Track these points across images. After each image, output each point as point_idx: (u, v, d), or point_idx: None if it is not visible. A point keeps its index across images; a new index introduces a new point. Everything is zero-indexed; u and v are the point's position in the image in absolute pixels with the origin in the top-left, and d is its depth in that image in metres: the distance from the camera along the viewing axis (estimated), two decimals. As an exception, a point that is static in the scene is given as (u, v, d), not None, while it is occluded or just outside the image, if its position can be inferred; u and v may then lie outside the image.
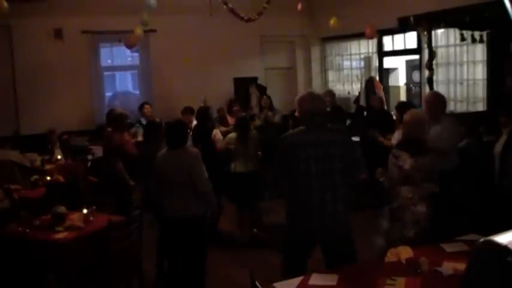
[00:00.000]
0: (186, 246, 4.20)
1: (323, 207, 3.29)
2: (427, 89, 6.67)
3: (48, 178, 5.92)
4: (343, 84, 10.74)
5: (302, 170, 3.29)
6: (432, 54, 6.56)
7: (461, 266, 2.60)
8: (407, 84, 10.33)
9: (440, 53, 8.23)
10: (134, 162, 5.44)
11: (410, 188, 3.77)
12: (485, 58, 7.63)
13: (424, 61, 7.52)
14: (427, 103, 4.67)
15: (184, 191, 4.05)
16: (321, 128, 3.38)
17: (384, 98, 8.38)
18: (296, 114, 3.59)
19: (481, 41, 7.22)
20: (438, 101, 4.61)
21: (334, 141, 3.34)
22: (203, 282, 4.34)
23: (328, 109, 7.97)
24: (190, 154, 4.14)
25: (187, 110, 7.26)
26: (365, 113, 8.69)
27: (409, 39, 8.92)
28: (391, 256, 3.13)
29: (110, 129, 5.82)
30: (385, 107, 8.30)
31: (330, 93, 8.46)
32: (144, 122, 7.96)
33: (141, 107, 8.16)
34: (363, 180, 3.54)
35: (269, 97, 8.90)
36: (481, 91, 7.85)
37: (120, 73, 11.69)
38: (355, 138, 7.95)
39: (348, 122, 9.00)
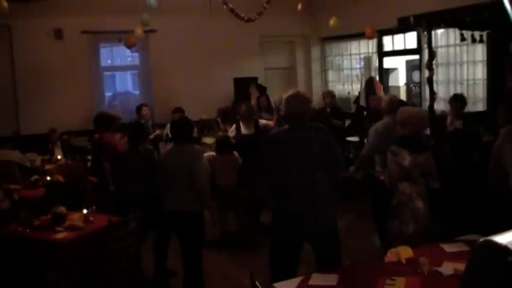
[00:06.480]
0: (183, 241, 4.27)
1: (305, 204, 3.35)
2: (427, 89, 6.66)
3: (48, 178, 5.92)
4: (343, 84, 10.74)
5: (284, 167, 3.38)
6: (432, 54, 6.55)
7: (461, 266, 2.60)
8: (407, 84, 10.33)
9: (440, 53, 8.23)
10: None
11: (408, 184, 3.80)
12: (485, 58, 7.62)
13: (424, 61, 7.51)
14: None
15: (184, 186, 4.12)
16: (303, 127, 3.47)
17: (382, 98, 8.36)
18: (281, 113, 3.68)
19: (481, 41, 7.21)
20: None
21: (315, 139, 3.43)
22: (201, 278, 4.33)
23: (328, 109, 8.05)
24: (191, 151, 4.24)
25: (177, 110, 7.35)
26: (365, 113, 8.68)
27: (409, 39, 8.91)
28: (391, 256, 3.13)
29: (96, 135, 5.90)
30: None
31: (330, 94, 8.51)
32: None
33: (139, 108, 8.12)
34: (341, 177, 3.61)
35: (267, 98, 8.88)
36: (481, 91, 7.84)
37: (120, 73, 11.69)
38: (355, 139, 8.02)
39: (348, 122, 9.04)
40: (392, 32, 8.78)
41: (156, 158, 5.01)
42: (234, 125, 6.44)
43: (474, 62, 7.90)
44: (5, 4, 5.65)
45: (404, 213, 3.78)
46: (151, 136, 7.83)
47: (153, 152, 5.04)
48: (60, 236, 4.02)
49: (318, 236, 3.41)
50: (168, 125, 7.40)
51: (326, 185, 3.41)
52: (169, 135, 7.38)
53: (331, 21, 7.86)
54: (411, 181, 3.80)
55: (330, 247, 3.45)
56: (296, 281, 2.88)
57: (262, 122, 6.25)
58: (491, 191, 4.28)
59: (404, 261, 3.05)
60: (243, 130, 6.28)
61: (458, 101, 5.83)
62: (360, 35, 9.02)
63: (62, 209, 4.30)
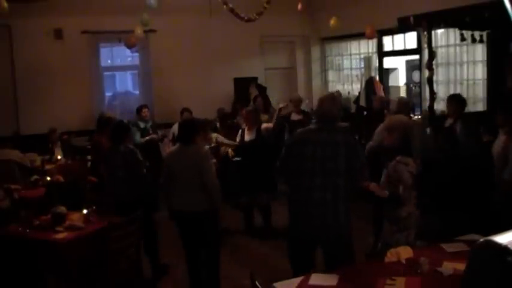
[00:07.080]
0: (195, 240, 4.25)
1: (323, 206, 3.31)
2: (427, 89, 6.67)
3: (48, 178, 5.92)
4: (343, 84, 10.74)
5: (307, 168, 3.34)
6: (432, 54, 6.55)
7: (461, 266, 2.60)
8: (407, 84, 10.34)
9: (440, 53, 8.23)
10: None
11: (414, 193, 3.76)
12: (485, 58, 7.62)
13: (424, 61, 7.52)
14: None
15: (193, 187, 4.11)
16: (331, 129, 3.42)
17: (384, 98, 8.36)
18: (311, 109, 3.68)
19: (481, 41, 7.21)
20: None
21: (342, 143, 3.37)
22: (217, 278, 4.34)
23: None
24: (198, 152, 4.22)
25: (185, 110, 7.36)
26: (365, 113, 8.69)
27: (409, 39, 8.92)
28: (391, 256, 3.13)
29: (95, 136, 5.94)
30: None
31: (337, 94, 8.50)
32: (142, 125, 7.90)
33: (139, 110, 8.05)
34: (363, 188, 3.53)
35: (264, 98, 8.84)
36: (481, 91, 7.84)
37: (120, 73, 11.70)
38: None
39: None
40: (392, 32, 8.79)
41: (140, 158, 4.85)
42: (240, 131, 6.36)
43: (474, 62, 7.91)
44: (5, 4, 5.65)
45: (412, 224, 3.74)
46: (145, 139, 7.74)
47: (135, 152, 4.85)
48: (60, 236, 4.02)
49: (334, 239, 3.37)
50: (176, 126, 7.40)
51: (347, 189, 3.37)
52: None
53: (331, 21, 7.86)
54: (415, 189, 3.77)
55: (343, 251, 3.39)
56: (296, 281, 2.88)
57: (264, 125, 6.21)
58: (504, 189, 4.26)
59: (404, 261, 3.05)
60: (246, 134, 6.21)
61: (453, 100, 5.82)
62: (360, 35, 9.03)
63: (62, 209, 4.30)
